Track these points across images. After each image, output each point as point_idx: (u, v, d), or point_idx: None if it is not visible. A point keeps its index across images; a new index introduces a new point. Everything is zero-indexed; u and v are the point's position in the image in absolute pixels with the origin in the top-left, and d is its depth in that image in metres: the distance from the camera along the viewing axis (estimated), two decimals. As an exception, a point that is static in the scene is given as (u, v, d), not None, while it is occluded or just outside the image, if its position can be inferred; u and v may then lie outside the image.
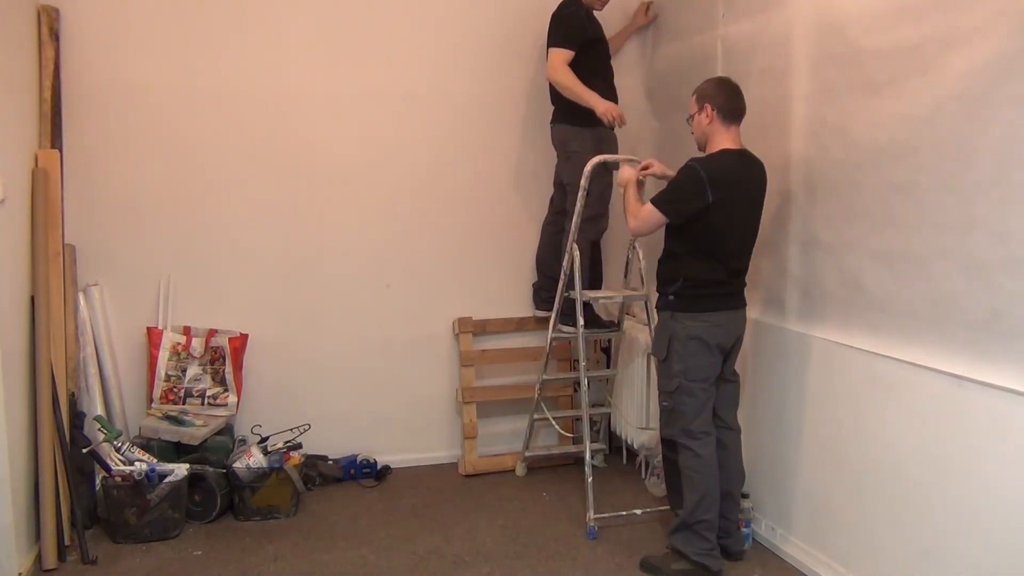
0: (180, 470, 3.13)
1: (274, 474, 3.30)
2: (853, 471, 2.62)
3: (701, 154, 2.84)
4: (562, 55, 3.49)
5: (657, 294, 2.94)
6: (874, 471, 2.53)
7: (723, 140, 2.77)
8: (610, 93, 3.63)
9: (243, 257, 3.65)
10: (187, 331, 3.58)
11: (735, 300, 2.88)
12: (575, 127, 3.59)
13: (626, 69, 4.00)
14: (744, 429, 3.12)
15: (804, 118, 2.83)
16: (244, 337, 3.61)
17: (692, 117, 2.85)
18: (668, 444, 2.95)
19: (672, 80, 3.80)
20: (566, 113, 3.61)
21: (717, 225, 2.73)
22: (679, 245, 2.83)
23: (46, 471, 2.88)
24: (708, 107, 2.77)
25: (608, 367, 4.06)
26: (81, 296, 3.37)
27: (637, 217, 2.88)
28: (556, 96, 3.64)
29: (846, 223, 2.65)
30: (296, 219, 3.71)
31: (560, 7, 3.59)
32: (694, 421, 2.81)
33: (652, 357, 3.13)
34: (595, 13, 3.65)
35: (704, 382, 2.80)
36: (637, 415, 3.67)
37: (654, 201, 2.81)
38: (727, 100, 2.76)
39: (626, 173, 3.02)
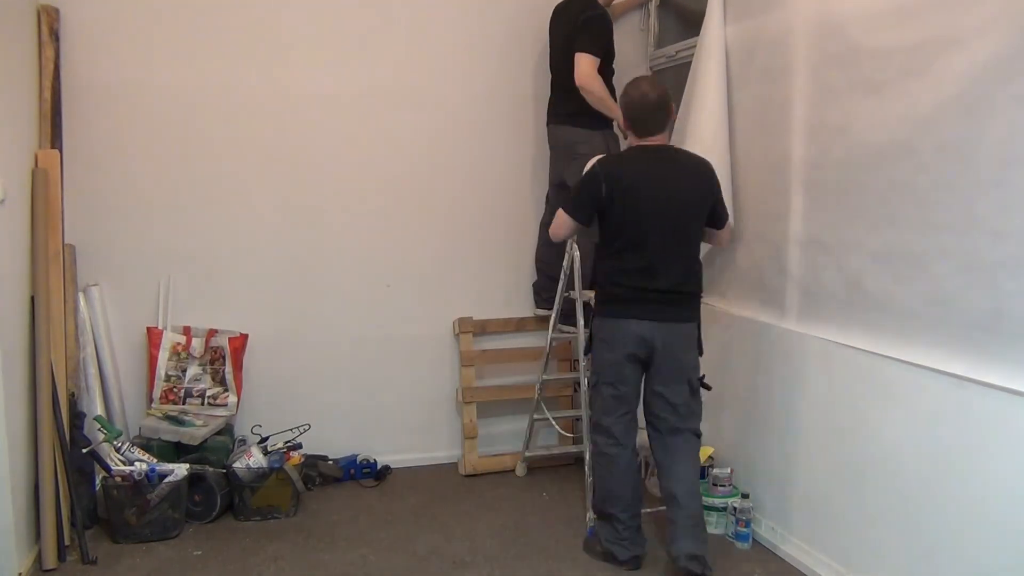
0: (180, 470, 3.13)
1: (274, 474, 3.30)
2: (853, 471, 2.62)
3: None
4: (592, 62, 3.42)
5: None
6: (874, 471, 2.53)
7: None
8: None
9: (243, 257, 3.65)
10: (187, 331, 3.58)
11: (657, 311, 2.69)
12: (587, 130, 3.56)
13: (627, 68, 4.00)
14: (744, 429, 3.12)
15: (804, 118, 2.83)
16: (244, 337, 3.61)
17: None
18: None
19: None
20: (577, 115, 3.58)
21: (617, 224, 2.69)
22: (600, 246, 2.85)
23: (46, 471, 2.88)
24: (624, 121, 2.82)
25: (608, 367, 4.06)
26: (81, 296, 3.37)
27: (553, 223, 2.89)
28: (567, 97, 3.62)
29: (846, 223, 2.65)
30: (296, 219, 3.71)
31: (588, 10, 3.49)
32: (601, 418, 2.87)
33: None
34: None
35: (610, 386, 2.82)
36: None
37: (562, 205, 2.84)
38: (635, 118, 2.75)
39: None
